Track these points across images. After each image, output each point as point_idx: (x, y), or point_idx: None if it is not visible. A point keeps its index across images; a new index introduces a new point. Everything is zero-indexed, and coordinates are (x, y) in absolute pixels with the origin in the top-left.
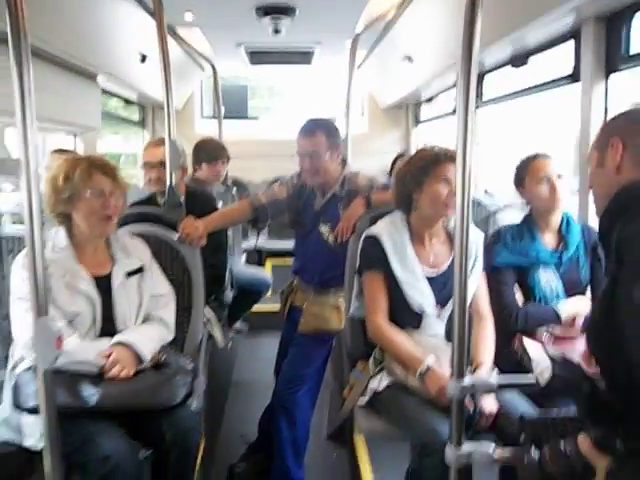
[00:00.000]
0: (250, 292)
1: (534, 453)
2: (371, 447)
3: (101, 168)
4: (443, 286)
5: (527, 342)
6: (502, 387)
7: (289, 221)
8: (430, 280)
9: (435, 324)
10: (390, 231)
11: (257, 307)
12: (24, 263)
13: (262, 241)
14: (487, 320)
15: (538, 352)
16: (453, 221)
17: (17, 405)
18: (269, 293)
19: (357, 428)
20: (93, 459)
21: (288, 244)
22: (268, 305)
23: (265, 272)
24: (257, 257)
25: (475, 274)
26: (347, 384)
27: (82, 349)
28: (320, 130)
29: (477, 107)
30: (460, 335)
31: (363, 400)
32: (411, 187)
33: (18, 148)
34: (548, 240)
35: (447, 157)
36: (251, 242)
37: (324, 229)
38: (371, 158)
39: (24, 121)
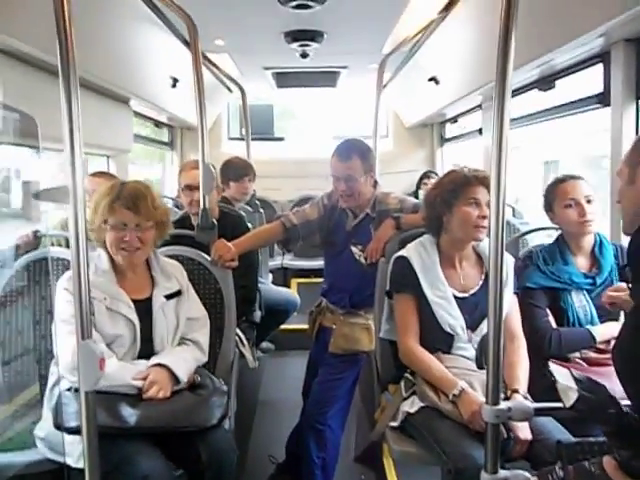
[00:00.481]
0: (278, 312)
1: (559, 471)
2: (400, 470)
3: (124, 200)
4: (474, 308)
5: (553, 367)
6: (539, 413)
7: (320, 242)
8: (460, 302)
9: (465, 348)
10: (420, 252)
11: (283, 326)
12: (67, 285)
13: (288, 260)
14: (520, 341)
15: (564, 375)
16: (484, 243)
17: (57, 425)
18: (295, 312)
19: (387, 450)
20: (132, 479)
21: (313, 263)
22: (294, 324)
23: (293, 292)
24: (283, 276)
25: (506, 296)
26: (378, 406)
27: (121, 371)
28: (356, 154)
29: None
30: (495, 359)
31: (395, 423)
32: (441, 210)
33: (66, 173)
34: (581, 263)
35: (477, 179)
36: (277, 261)
37: (356, 250)
38: (396, 177)
39: (72, 148)
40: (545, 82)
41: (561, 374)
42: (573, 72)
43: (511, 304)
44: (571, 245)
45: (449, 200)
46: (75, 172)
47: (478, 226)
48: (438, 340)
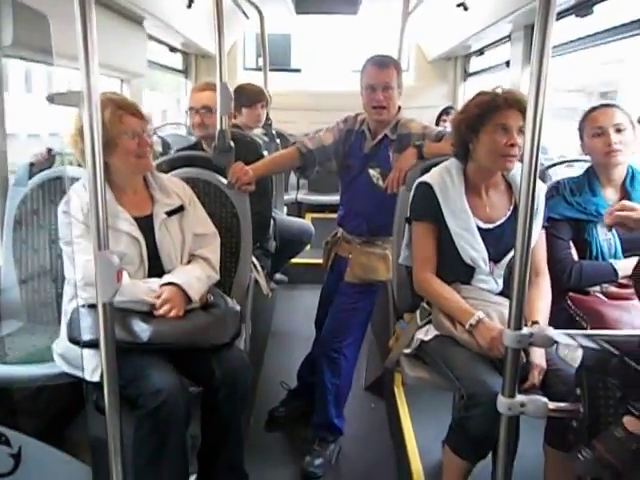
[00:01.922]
0: (293, 242)
1: (586, 453)
2: (410, 399)
3: (127, 109)
4: (499, 239)
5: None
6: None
7: (337, 167)
8: (484, 233)
9: (486, 281)
10: (444, 180)
11: (296, 259)
12: (65, 208)
13: (302, 195)
14: (544, 277)
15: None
16: (515, 171)
17: (72, 339)
18: (308, 246)
19: (398, 380)
20: (144, 393)
21: (328, 198)
22: (307, 258)
23: (307, 222)
24: (297, 210)
25: (536, 228)
26: (392, 335)
27: (132, 288)
28: (393, 64)
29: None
30: (519, 286)
31: (409, 350)
32: (467, 136)
33: (81, 85)
34: (610, 195)
35: (507, 102)
36: (291, 195)
37: (374, 172)
38: (416, 113)
39: (87, 57)
40: (583, 7)
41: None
42: None
43: (538, 238)
44: (600, 176)
45: (475, 126)
46: (90, 81)
47: (506, 155)
48: (458, 271)
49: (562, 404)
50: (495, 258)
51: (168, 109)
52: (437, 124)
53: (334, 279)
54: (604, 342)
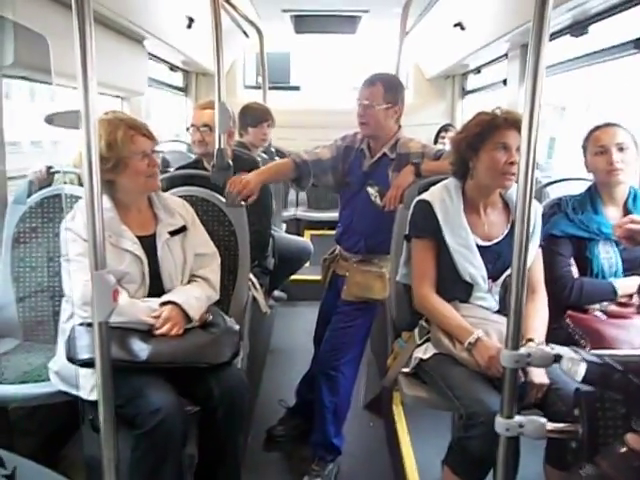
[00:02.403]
0: (291, 260)
1: (589, 469)
2: (409, 418)
3: (138, 129)
4: (497, 257)
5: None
6: (557, 360)
7: (334, 184)
8: (483, 250)
9: (485, 298)
10: (443, 198)
11: (295, 276)
12: (70, 225)
13: (301, 211)
14: (540, 295)
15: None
16: (512, 190)
17: (70, 358)
18: (307, 263)
19: (397, 398)
20: (142, 412)
21: (327, 215)
22: (306, 274)
23: (306, 240)
24: (296, 227)
25: (532, 247)
26: (390, 353)
27: (132, 308)
28: (380, 81)
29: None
30: (516, 305)
31: (407, 369)
32: (467, 154)
33: (81, 107)
34: (612, 214)
35: (507, 122)
36: (290, 212)
37: (372, 190)
38: (415, 130)
39: (85, 78)
40: (578, 28)
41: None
42: (608, 16)
43: (535, 256)
44: (603, 195)
45: (475, 144)
46: (88, 102)
47: (506, 173)
48: (457, 289)
49: (561, 425)
50: (493, 276)
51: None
52: (435, 142)
53: (332, 297)
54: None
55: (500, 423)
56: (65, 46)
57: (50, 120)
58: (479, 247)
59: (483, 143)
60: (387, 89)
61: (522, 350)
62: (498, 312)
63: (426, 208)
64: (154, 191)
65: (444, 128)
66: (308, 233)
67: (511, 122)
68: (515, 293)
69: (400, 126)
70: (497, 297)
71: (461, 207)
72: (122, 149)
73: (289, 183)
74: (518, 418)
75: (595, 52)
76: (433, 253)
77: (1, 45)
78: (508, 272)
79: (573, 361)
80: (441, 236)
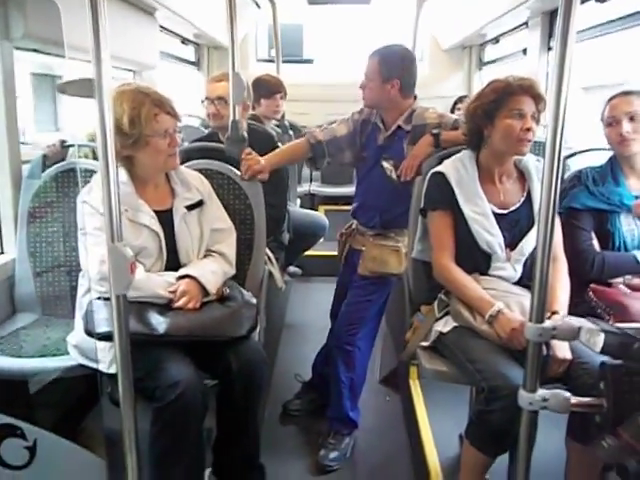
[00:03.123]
0: (306, 235)
1: (611, 440)
2: (426, 392)
3: (162, 107)
4: (514, 224)
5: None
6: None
7: (352, 160)
8: (499, 218)
9: (504, 268)
10: (457, 168)
11: (310, 252)
12: (86, 199)
13: (315, 187)
14: (561, 263)
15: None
16: (526, 158)
17: (88, 331)
18: (322, 238)
19: (414, 372)
20: (161, 385)
21: (341, 190)
22: (321, 250)
23: (321, 215)
24: (310, 202)
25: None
26: (409, 328)
27: (149, 282)
28: (378, 55)
29: (550, 48)
30: (541, 278)
31: (427, 342)
32: (482, 122)
33: (94, 79)
34: (633, 184)
35: (522, 88)
36: (305, 187)
37: (387, 165)
38: (431, 102)
39: (98, 49)
40: None
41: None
42: None
43: (557, 226)
44: (623, 166)
45: (490, 111)
46: (101, 73)
47: (522, 139)
48: (475, 259)
49: (585, 399)
50: (511, 244)
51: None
52: (452, 113)
53: (348, 271)
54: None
55: (523, 397)
56: (76, 16)
57: (63, 89)
58: (495, 215)
59: (498, 110)
60: (382, 63)
61: (547, 323)
62: (518, 283)
63: (441, 180)
64: (173, 169)
65: (460, 99)
66: (322, 208)
67: (525, 88)
68: (540, 266)
69: (415, 97)
70: (517, 266)
71: (476, 176)
72: (145, 127)
73: (305, 162)
74: (541, 392)
75: (626, 16)
76: (450, 223)
77: (11, 15)
78: (526, 240)
79: (592, 332)
80: (457, 206)
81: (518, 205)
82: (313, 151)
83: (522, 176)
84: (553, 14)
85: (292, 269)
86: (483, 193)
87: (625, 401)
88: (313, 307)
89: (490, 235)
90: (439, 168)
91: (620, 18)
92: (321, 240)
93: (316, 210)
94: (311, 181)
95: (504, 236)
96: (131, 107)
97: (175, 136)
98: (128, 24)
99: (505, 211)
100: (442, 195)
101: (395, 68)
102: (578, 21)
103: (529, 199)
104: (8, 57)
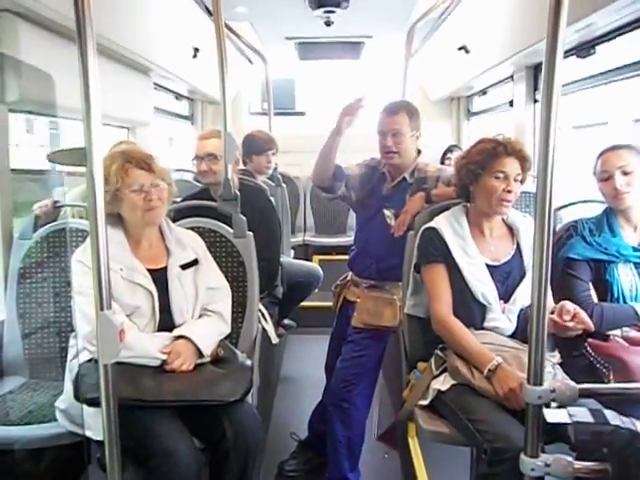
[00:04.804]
0: (301, 286)
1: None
2: (425, 450)
3: (136, 162)
4: (506, 276)
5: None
6: (584, 394)
7: (355, 200)
8: (492, 270)
9: (499, 319)
10: (450, 222)
11: (304, 303)
12: (81, 258)
13: (309, 237)
14: None
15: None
16: (514, 214)
17: (77, 397)
18: (317, 289)
19: (412, 430)
20: (155, 454)
21: (335, 240)
22: (315, 301)
23: (315, 265)
24: (304, 253)
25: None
26: (405, 385)
27: (143, 342)
28: (404, 109)
29: (536, 101)
30: (537, 339)
31: (425, 401)
32: (467, 179)
33: (84, 141)
34: (629, 235)
35: (506, 151)
36: (299, 237)
37: (388, 212)
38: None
39: (89, 113)
40: (584, 49)
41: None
42: (616, 36)
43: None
44: (619, 217)
45: (475, 171)
46: (92, 137)
47: (502, 200)
48: (471, 311)
49: (589, 464)
50: (505, 297)
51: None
52: (442, 163)
53: (343, 324)
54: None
55: (525, 462)
56: (72, 80)
57: (54, 158)
58: (488, 267)
59: (483, 170)
60: (410, 116)
61: (546, 385)
62: (513, 336)
63: (434, 234)
64: (154, 225)
65: (449, 149)
66: (317, 258)
67: (511, 151)
68: (536, 327)
69: (420, 151)
70: (512, 317)
71: (468, 230)
72: (115, 183)
73: (321, 189)
74: (544, 456)
75: (606, 72)
76: (445, 275)
77: (6, 82)
78: (518, 292)
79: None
80: (451, 258)
81: (509, 257)
82: (336, 171)
83: (511, 231)
84: (537, 68)
85: (286, 322)
86: (475, 246)
87: (630, 466)
88: (309, 360)
89: (484, 286)
90: (431, 224)
91: (601, 73)
92: (315, 291)
93: (310, 260)
94: (305, 231)
95: (497, 287)
96: (104, 165)
97: (151, 191)
98: (122, 83)
99: (497, 263)
100: (436, 249)
101: (419, 120)
102: (562, 76)
103: (519, 252)
104: (2, 120)
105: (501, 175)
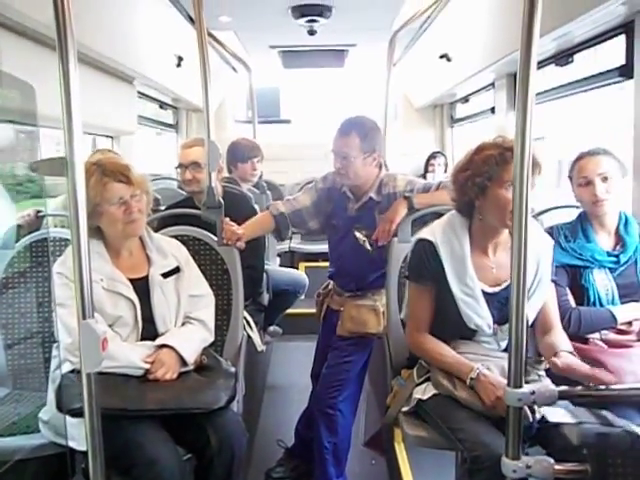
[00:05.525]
0: (286, 294)
1: None
2: (412, 455)
3: (113, 175)
4: (505, 302)
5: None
6: (562, 397)
7: (320, 227)
8: (489, 297)
9: (488, 342)
10: (449, 237)
11: (290, 310)
12: (61, 269)
13: (295, 244)
14: (559, 328)
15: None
16: None
17: (60, 407)
18: (302, 296)
19: (399, 435)
20: (138, 463)
21: (321, 247)
22: (301, 308)
23: (300, 273)
24: (290, 260)
25: (545, 283)
26: (390, 392)
27: (125, 351)
28: (356, 130)
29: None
30: (517, 342)
31: (407, 408)
32: (473, 193)
33: (65, 151)
34: (604, 240)
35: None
36: (284, 245)
37: (360, 235)
38: (405, 159)
39: (70, 122)
40: (563, 57)
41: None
42: (593, 45)
43: (550, 294)
44: (593, 222)
45: (482, 183)
46: (73, 147)
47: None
48: (458, 332)
49: (568, 464)
50: (500, 321)
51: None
52: (426, 169)
53: (327, 332)
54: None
55: (506, 464)
56: (54, 89)
57: (35, 168)
58: (486, 294)
59: (490, 182)
60: (362, 138)
61: (525, 388)
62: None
63: (429, 249)
64: (134, 237)
65: (433, 156)
66: (303, 265)
67: None
68: (515, 329)
69: (382, 165)
70: (502, 343)
71: (467, 249)
72: (94, 197)
73: (271, 234)
74: (525, 459)
75: (582, 79)
76: (431, 299)
77: None
78: None
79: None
80: (445, 282)
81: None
82: (277, 223)
83: None
84: (516, 76)
85: (272, 329)
86: (474, 270)
87: (609, 466)
88: (295, 367)
89: (479, 317)
90: (427, 235)
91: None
92: (302, 297)
93: (296, 267)
94: (290, 239)
95: (493, 314)
96: None
97: (131, 203)
98: (106, 92)
99: (497, 289)
100: (428, 268)
101: (374, 141)
102: (536, 84)
103: None
104: None
105: (510, 184)
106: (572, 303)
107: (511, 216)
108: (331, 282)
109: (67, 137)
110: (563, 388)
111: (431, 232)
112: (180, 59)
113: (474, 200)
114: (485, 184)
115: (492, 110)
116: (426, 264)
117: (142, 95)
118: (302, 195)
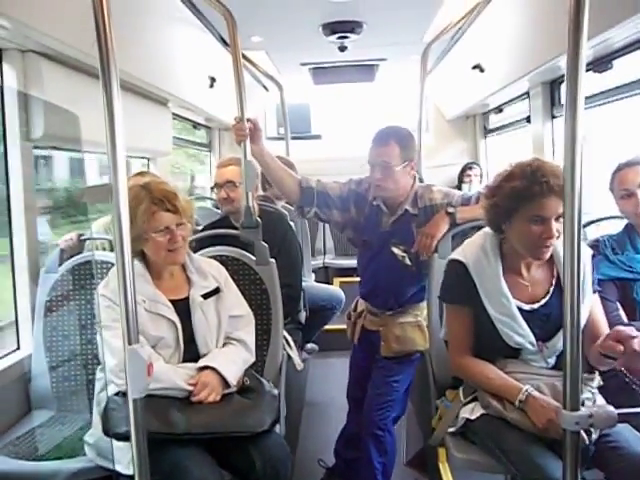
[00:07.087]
0: (323, 310)
1: None
2: (457, 477)
3: (162, 204)
4: (546, 319)
5: None
6: (623, 420)
7: (342, 220)
8: (528, 315)
9: (535, 360)
10: (479, 257)
11: (327, 326)
12: (104, 292)
13: (329, 259)
14: None
15: None
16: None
17: (106, 431)
18: (339, 312)
19: (443, 455)
20: None
21: (354, 262)
22: (337, 324)
23: (336, 288)
24: (325, 275)
25: (587, 296)
26: (435, 413)
27: (169, 373)
28: (394, 139)
29: (554, 116)
30: (572, 362)
31: (454, 428)
32: (499, 219)
33: (109, 176)
34: None
35: (543, 190)
36: (319, 260)
37: (398, 251)
38: (438, 171)
39: (114, 148)
40: (601, 64)
41: None
42: (634, 50)
43: (593, 302)
44: None
45: (509, 210)
46: (117, 173)
47: (541, 246)
48: (502, 352)
49: None
50: (543, 338)
51: None
52: (460, 180)
53: (364, 353)
54: None
55: None
56: (95, 114)
57: (81, 196)
58: (523, 311)
59: (517, 211)
60: (402, 146)
61: (583, 410)
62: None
63: (460, 270)
64: (176, 264)
65: (468, 166)
66: (337, 281)
67: (550, 188)
68: (570, 350)
69: (416, 177)
70: (550, 360)
71: (500, 268)
72: (142, 225)
73: (294, 208)
74: None
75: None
76: (469, 319)
77: (31, 121)
78: (560, 334)
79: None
80: (479, 302)
81: (548, 297)
82: (302, 194)
83: (551, 259)
84: (553, 84)
85: (309, 346)
86: (508, 288)
87: None
88: (332, 383)
89: (519, 336)
90: (459, 256)
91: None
92: (337, 314)
93: (331, 283)
94: (325, 254)
95: (534, 333)
96: (130, 206)
97: (176, 232)
98: (143, 115)
99: (535, 306)
100: (461, 289)
101: (412, 149)
102: (585, 89)
103: (559, 285)
104: (28, 156)
105: (538, 219)
106: (624, 318)
107: (541, 249)
108: (363, 302)
109: (112, 163)
110: (623, 410)
111: (462, 253)
112: (213, 80)
113: (501, 224)
114: (511, 212)
115: (527, 119)
116: (459, 285)
117: (176, 116)
118: (333, 183)
